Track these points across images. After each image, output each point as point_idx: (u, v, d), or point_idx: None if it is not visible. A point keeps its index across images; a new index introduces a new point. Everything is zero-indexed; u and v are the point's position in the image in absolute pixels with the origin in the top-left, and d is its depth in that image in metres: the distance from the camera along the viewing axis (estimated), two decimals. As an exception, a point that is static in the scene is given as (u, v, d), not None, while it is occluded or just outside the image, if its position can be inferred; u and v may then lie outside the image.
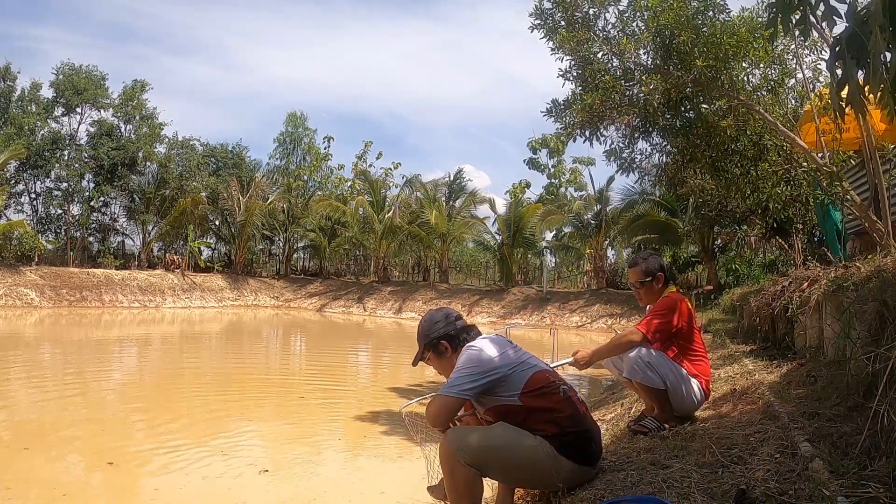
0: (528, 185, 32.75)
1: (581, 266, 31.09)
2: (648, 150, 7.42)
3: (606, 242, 25.39)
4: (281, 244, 33.89)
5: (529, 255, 29.65)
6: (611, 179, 24.65)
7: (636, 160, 7.34)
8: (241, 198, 29.83)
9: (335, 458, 5.67)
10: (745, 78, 6.17)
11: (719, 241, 20.99)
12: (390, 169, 35.32)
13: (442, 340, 2.52)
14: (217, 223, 32.05)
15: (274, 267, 34.69)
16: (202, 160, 31.24)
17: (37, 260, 24.56)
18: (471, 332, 2.57)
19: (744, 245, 20.25)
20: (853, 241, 7.04)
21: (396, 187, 31.97)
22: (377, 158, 38.31)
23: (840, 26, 1.84)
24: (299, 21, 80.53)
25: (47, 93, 27.93)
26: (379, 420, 6.91)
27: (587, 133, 6.74)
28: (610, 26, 6.41)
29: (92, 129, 28.75)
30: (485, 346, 2.41)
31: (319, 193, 33.53)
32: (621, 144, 7.09)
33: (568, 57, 6.43)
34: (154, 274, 27.03)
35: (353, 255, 35.66)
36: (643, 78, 6.08)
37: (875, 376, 2.11)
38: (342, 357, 14.10)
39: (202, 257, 30.27)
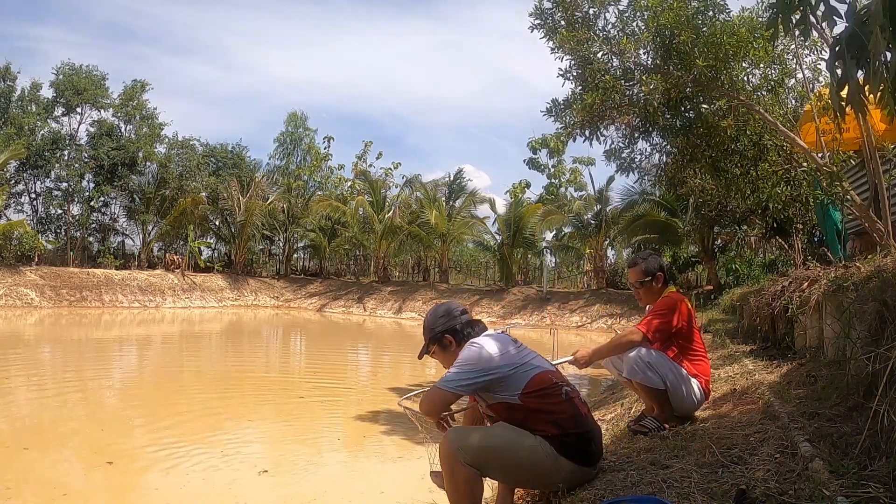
0: (528, 185, 32.78)
1: (581, 266, 31.09)
2: (648, 150, 7.43)
3: (606, 242, 25.39)
4: (281, 244, 33.89)
5: (529, 255, 29.65)
6: (611, 179, 24.69)
7: (636, 160, 7.34)
8: (241, 198, 29.84)
9: (335, 457, 5.67)
10: (745, 78, 6.17)
11: (719, 241, 21.00)
12: (390, 169, 35.36)
13: (446, 334, 2.53)
14: (217, 223, 32.05)
15: (274, 267, 34.69)
16: (202, 160, 31.24)
17: (37, 260, 24.56)
18: (476, 326, 2.57)
19: (744, 245, 20.25)
20: (853, 241, 7.04)
21: (396, 187, 32.03)
22: (377, 158, 38.34)
23: (840, 26, 1.84)
24: (299, 21, 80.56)
25: (47, 93, 27.99)
26: (379, 420, 6.91)
27: (587, 133, 6.74)
28: (610, 26, 6.41)
29: (92, 129, 28.79)
30: (486, 345, 2.40)
31: (319, 193, 33.53)
32: (621, 144, 7.10)
33: (568, 57, 6.43)
34: (154, 274, 27.03)
35: (353, 255, 35.67)
36: (643, 78, 6.08)
37: (875, 376, 2.11)
38: (342, 357, 14.10)
39: (202, 257, 30.27)
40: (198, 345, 15.54)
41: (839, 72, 1.81)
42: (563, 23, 6.34)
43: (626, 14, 6.26)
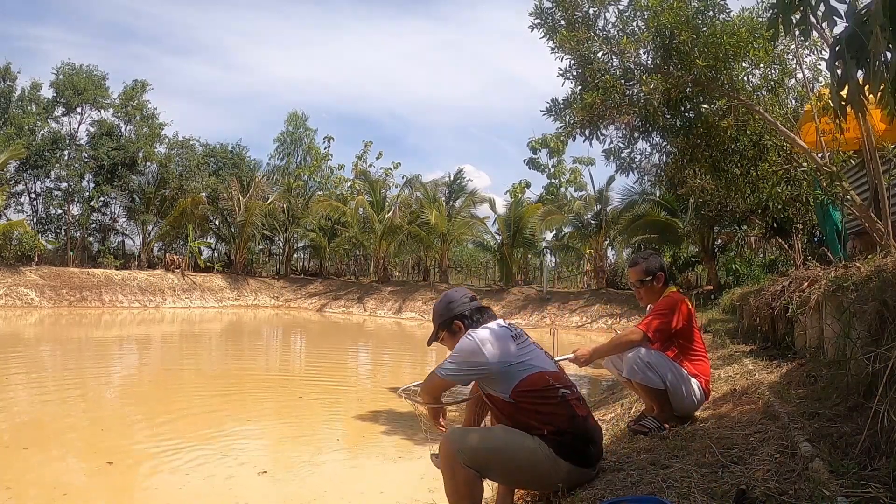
0: (528, 185, 32.79)
1: (581, 266, 31.10)
2: (648, 150, 7.42)
3: (606, 242, 25.39)
4: (281, 244, 33.89)
5: (529, 255, 29.65)
6: (611, 179, 24.70)
7: (636, 160, 7.34)
8: (241, 198, 29.84)
9: (335, 457, 5.66)
10: (745, 78, 6.17)
11: (719, 241, 20.99)
12: (390, 169, 35.39)
13: (455, 320, 2.54)
14: (217, 223, 32.06)
15: (274, 267, 34.69)
16: (202, 160, 31.24)
17: (37, 260, 24.56)
18: (485, 313, 2.56)
19: (744, 245, 20.24)
20: (853, 241, 7.04)
21: (396, 187, 32.04)
22: (377, 158, 38.40)
23: (840, 26, 1.84)
24: (299, 21, 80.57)
25: (47, 93, 27.99)
26: (379, 420, 6.91)
27: (587, 132, 6.73)
28: (610, 26, 6.41)
29: (92, 129, 28.79)
30: (482, 339, 2.38)
31: (319, 193, 33.53)
32: (621, 144, 7.09)
33: (568, 56, 6.43)
34: (154, 274, 27.04)
35: (353, 255, 35.67)
36: (643, 77, 6.08)
37: (875, 376, 2.11)
38: (342, 357, 14.10)
39: (202, 257, 30.27)
40: (198, 345, 15.54)
41: (839, 72, 1.81)
42: (563, 22, 6.34)
43: (626, 14, 6.26)
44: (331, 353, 14.35)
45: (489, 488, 2.77)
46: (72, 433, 6.03)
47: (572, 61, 6.46)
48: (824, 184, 5.44)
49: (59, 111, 28.19)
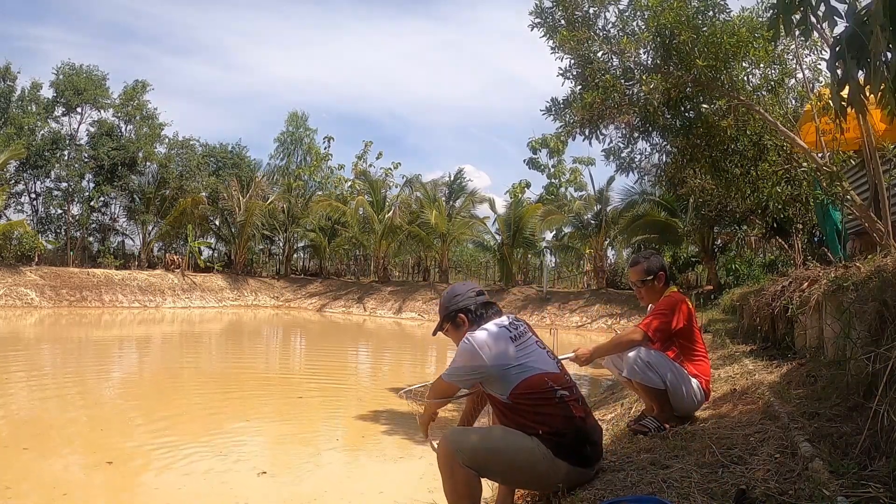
0: (528, 185, 32.77)
1: (581, 266, 31.09)
2: (648, 149, 7.43)
3: (606, 242, 25.39)
4: (281, 244, 33.89)
5: (529, 255, 29.65)
6: (611, 179, 24.69)
7: (636, 160, 7.34)
8: (241, 198, 29.84)
9: (335, 458, 5.66)
10: (745, 78, 6.17)
11: (719, 241, 20.99)
12: (390, 169, 35.40)
13: (460, 314, 2.56)
14: (217, 223, 32.06)
15: (274, 267, 34.70)
16: (202, 160, 31.25)
17: (37, 260, 24.56)
18: (490, 308, 2.57)
19: (744, 245, 20.24)
20: (853, 241, 7.04)
21: (396, 187, 32.04)
22: (377, 158, 38.38)
23: (840, 26, 1.84)
24: (299, 21, 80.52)
25: (47, 93, 28.01)
26: (379, 420, 6.91)
27: (587, 132, 6.74)
28: (610, 25, 6.41)
29: (92, 129, 28.81)
30: (479, 343, 2.38)
31: (319, 193, 33.54)
32: (621, 144, 7.10)
33: (568, 56, 6.43)
34: (154, 274, 27.04)
35: (353, 255, 35.68)
36: (643, 77, 6.08)
37: (875, 376, 2.11)
38: (342, 357, 14.10)
39: (202, 257, 30.27)
40: (198, 345, 15.54)
41: (839, 72, 1.81)
42: (563, 22, 6.34)
43: (627, 13, 6.27)
44: (331, 353, 14.35)
45: (489, 488, 2.77)
46: (72, 433, 6.03)
47: (572, 61, 6.46)
48: (824, 184, 5.44)
49: (59, 111, 28.22)
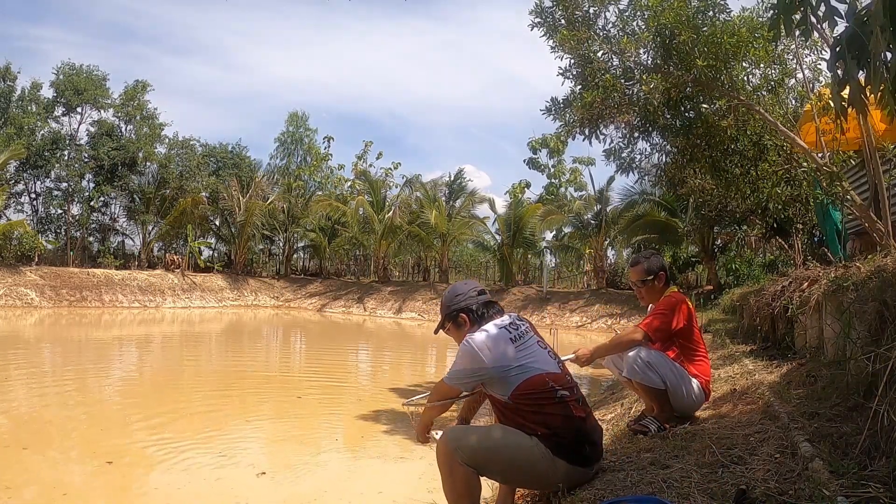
0: (528, 185, 32.78)
1: (581, 266, 31.09)
2: (648, 150, 7.43)
3: (606, 242, 25.38)
4: (281, 244, 33.90)
5: (529, 255, 29.64)
6: (611, 179, 24.69)
7: (636, 160, 7.34)
8: (241, 198, 29.84)
9: (334, 458, 5.66)
10: (746, 78, 6.17)
11: (719, 241, 20.99)
12: (390, 169, 35.43)
13: (462, 313, 2.55)
14: (217, 223, 32.07)
15: (274, 267, 34.70)
16: (202, 160, 31.25)
17: (37, 260, 24.56)
18: (491, 308, 2.56)
19: (744, 245, 20.24)
20: (853, 241, 7.04)
21: (396, 187, 32.04)
22: (377, 158, 38.41)
23: (840, 26, 1.84)
24: (299, 21, 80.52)
25: (47, 93, 28.00)
26: (379, 420, 6.91)
27: (587, 132, 6.74)
28: (610, 25, 6.41)
29: (92, 129, 28.81)
30: (479, 346, 2.37)
31: (319, 193, 33.54)
32: (621, 144, 7.10)
33: (568, 55, 6.43)
34: (154, 274, 27.04)
35: (353, 255, 35.68)
36: (643, 77, 6.09)
37: (875, 376, 2.11)
38: (342, 357, 14.10)
39: (202, 257, 30.27)
40: (198, 345, 15.54)
41: (840, 72, 1.81)
42: (563, 21, 6.34)
43: (627, 13, 6.27)
44: (330, 353, 14.35)
45: (489, 488, 2.77)
46: (71, 433, 6.03)
47: (572, 60, 6.47)
48: (824, 184, 5.44)
49: (59, 111, 28.22)
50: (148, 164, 29.48)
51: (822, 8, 1.85)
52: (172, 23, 70.30)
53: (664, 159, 7.57)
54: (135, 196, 29.47)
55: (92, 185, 28.56)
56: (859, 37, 1.68)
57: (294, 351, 15.67)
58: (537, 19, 6.46)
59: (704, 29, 5.81)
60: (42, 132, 27.13)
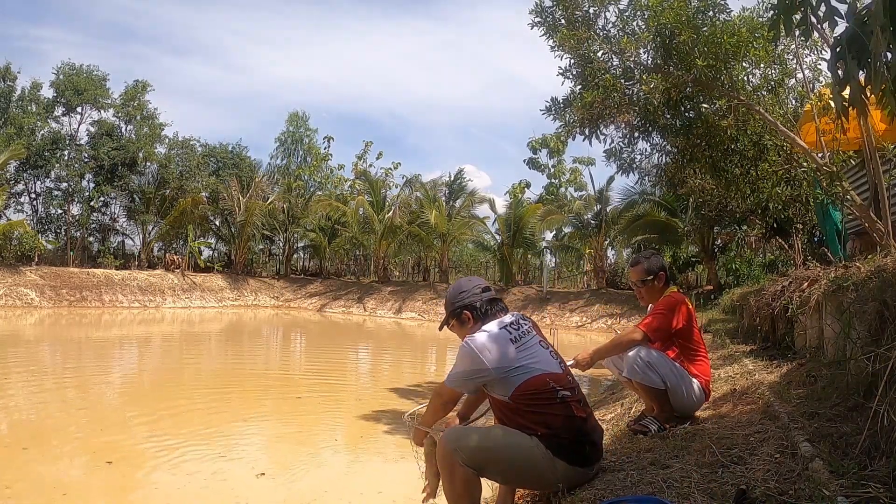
0: (528, 185, 32.79)
1: (581, 266, 31.10)
2: (648, 150, 7.43)
3: (606, 242, 25.39)
4: (281, 244, 33.90)
5: (529, 255, 29.66)
6: (611, 179, 24.71)
7: (636, 160, 7.34)
8: (241, 198, 29.84)
9: (334, 458, 5.67)
10: (746, 78, 6.17)
11: (719, 241, 21.00)
12: (390, 169, 35.45)
13: (465, 310, 2.54)
14: (217, 223, 32.07)
15: (274, 267, 34.71)
16: (202, 160, 31.25)
17: (37, 260, 24.56)
18: (495, 305, 2.55)
19: (744, 245, 20.24)
20: (853, 241, 7.04)
21: (396, 187, 32.06)
22: (377, 158, 38.45)
23: (841, 26, 1.84)
24: (300, 21, 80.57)
25: (47, 93, 28.00)
26: (378, 420, 6.91)
27: (587, 131, 6.74)
28: (610, 25, 6.41)
29: (92, 129, 28.81)
30: (479, 346, 2.36)
31: (319, 193, 33.56)
32: (621, 144, 7.10)
33: (568, 55, 6.43)
34: (154, 274, 27.03)
35: (353, 255, 35.69)
36: (643, 77, 6.09)
37: (875, 376, 2.11)
38: (342, 357, 14.10)
39: (202, 257, 30.27)
40: (197, 345, 15.54)
41: (840, 72, 1.81)
42: (563, 21, 6.34)
43: (627, 13, 6.27)
44: (330, 353, 14.35)
45: (489, 488, 2.77)
46: (71, 433, 6.02)
47: (572, 60, 6.46)
48: (824, 184, 5.44)
49: (59, 111, 28.22)
50: (148, 164, 29.49)
51: (823, 8, 1.85)
52: (172, 23, 70.43)
53: (664, 159, 7.56)
54: (135, 196, 29.47)
55: (92, 185, 28.57)
56: (860, 37, 1.68)
57: (294, 351, 15.67)
58: (537, 19, 6.46)
59: (704, 29, 5.81)
60: (42, 132, 27.13)
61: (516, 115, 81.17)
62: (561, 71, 6.58)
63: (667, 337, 3.21)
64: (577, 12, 6.29)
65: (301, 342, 17.72)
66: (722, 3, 5.91)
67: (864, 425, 2.00)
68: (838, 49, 1.77)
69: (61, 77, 27.74)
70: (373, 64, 76.91)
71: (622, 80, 6.26)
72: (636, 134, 6.99)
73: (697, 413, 3.30)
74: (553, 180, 32.79)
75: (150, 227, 29.76)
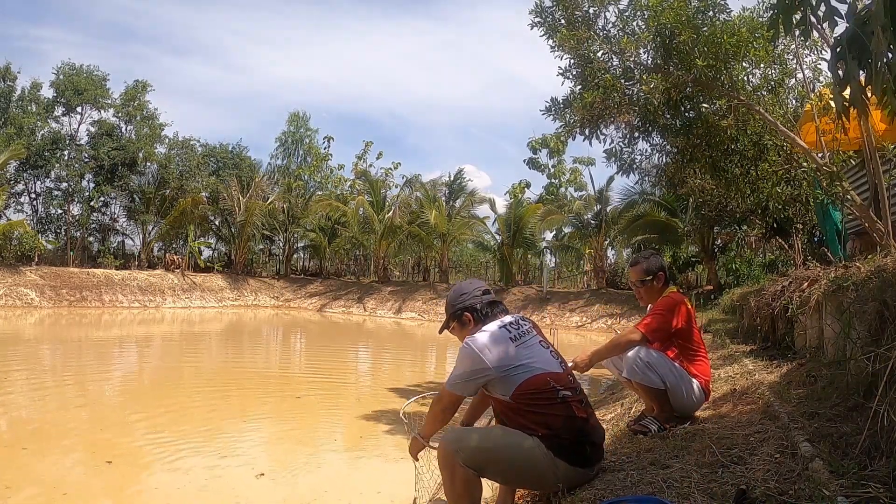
0: (528, 185, 32.81)
1: (581, 266, 31.10)
2: (648, 150, 7.43)
3: (606, 242, 25.39)
4: (281, 244, 33.90)
5: (529, 255, 29.66)
6: (611, 179, 24.71)
7: (636, 160, 7.34)
8: (241, 198, 29.84)
9: (334, 457, 5.67)
10: (746, 78, 6.17)
11: (719, 241, 20.99)
12: (390, 169, 35.48)
13: (466, 312, 2.56)
14: (217, 223, 32.06)
15: (274, 267, 34.71)
16: (202, 160, 31.25)
17: (37, 260, 24.55)
18: (495, 307, 2.57)
19: (744, 245, 20.24)
20: (853, 241, 7.04)
21: (396, 187, 32.08)
22: (377, 158, 38.49)
23: (841, 26, 1.84)
24: (299, 21, 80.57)
25: (47, 93, 28.00)
26: (378, 420, 6.91)
27: (587, 132, 6.74)
28: (610, 25, 6.41)
29: (92, 129, 28.81)
30: (480, 346, 2.36)
31: (319, 193, 33.57)
32: (621, 144, 7.09)
33: (568, 56, 6.43)
34: (154, 274, 27.03)
35: (353, 255, 35.69)
36: (643, 77, 6.09)
37: (875, 376, 2.11)
38: (342, 357, 14.10)
39: (202, 257, 30.27)
40: (197, 345, 15.54)
41: (841, 73, 1.81)
42: (563, 21, 6.34)
43: (627, 13, 6.27)
44: (330, 353, 14.35)
45: (489, 488, 2.77)
46: (71, 433, 6.03)
47: (572, 60, 6.46)
48: (824, 184, 5.44)
49: (59, 111, 28.21)
50: (148, 164, 29.48)
51: (822, 8, 1.85)
52: (172, 23, 70.45)
53: (664, 159, 7.56)
54: (135, 196, 29.47)
55: (92, 185, 28.57)
56: (860, 37, 1.68)
57: (294, 351, 15.67)
58: (537, 19, 6.46)
59: (704, 29, 5.81)
60: (42, 132, 27.13)
61: (516, 115, 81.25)
62: (561, 71, 6.58)
63: (666, 337, 3.21)
64: (576, 12, 6.29)
65: (301, 342, 17.72)
66: (722, 3, 5.91)
67: (864, 425, 2.00)
68: (838, 49, 1.77)
69: (61, 77, 27.74)
70: (373, 64, 77.00)
71: (622, 80, 6.26)
72: (636, 134, 6.99)
73: (697, 413, 3.30)
74: (553, 180, 32.80)
75: (150, 227, 29.76)
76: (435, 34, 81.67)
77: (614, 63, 6.43)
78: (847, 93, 1.87)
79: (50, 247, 27.39)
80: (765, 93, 6.25)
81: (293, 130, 39.31)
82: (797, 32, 2.34)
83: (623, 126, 6.82)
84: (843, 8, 1.83)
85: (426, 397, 2.67)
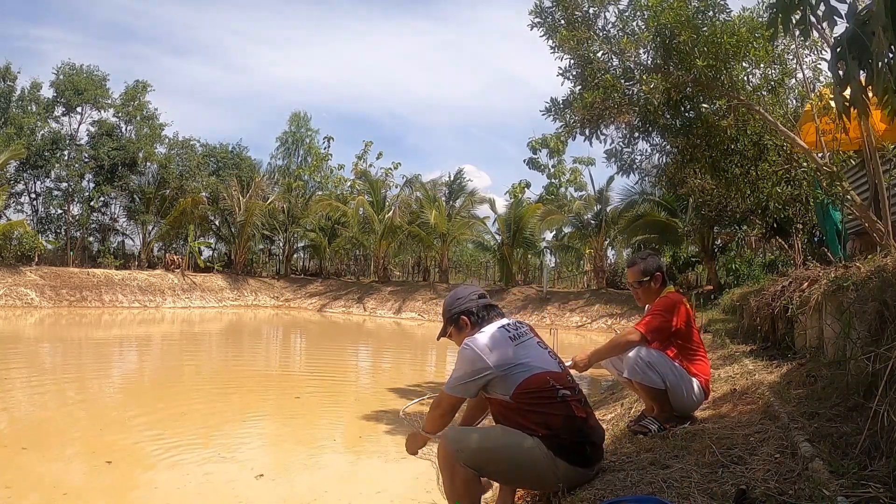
0: (528, 185, 32.81)
1: (581, 266, 31.10)
2: (648, 150, 7.43)
3: (606, 242, 25.40)
4: (281, 244, 33.90)
5: (529, 255, 29.66)
6: (611, 179, 24.72)
7: (636, 160, 7.34)
8: (241, 198, 29.83)
9: (334, 457, 5.66)
10: (746, 78, 6.17)
11: (719, 241, 20.99)
12: (390, 169, 35.46)
13: (462, 316, 2.57)
14: (217, 223, 32.06)
15: (274, 267, 34.71)
16: (202, 160, 31.25)
17: (37, 260, 24.55)
18: (491, 311, 2.58)
19: (744, 245, 20.24)
20: (853, 241, 7.04)
21: (396, 187, 32.06)
22: (377, 158, 38.47)
23: (841, 26, 1.84)
24: (300, 21, 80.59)
25: (47, 93, 28.00)
26: (378, 420, 6.90)
27: (587, 132, 6.74)
28: (610, 25, 6.41)
29: (92, 129, 28.81)
30: (480, 346, 2.38)
31: (319, 193, 33.57)
32: (621, 144, 7.10)
33: (568, 56, 6.43)
34: (154, 274, 27.03)
35: (353, 255, 35.69)
36: (643, 77, 6.09)
37: (875, 376, 2.11)
38: (342, 357, 14.09)
39: (202, 257, 30.27)
40: (197, 345, 15.54)
41: (841, 73, 1.81)
42: (563, 22, 6.34)
43: (626, 13, 6.26)
44: (330, 353, 14.35)
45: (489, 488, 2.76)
46: (71, 433, 6.02)
47: (572, 61, 6.46)
48: (824, 184, 5.44)
49: (59, 111, 28.21)
50: (148, 164, 29.48)
51: (822, 7, 1.84)
52: (172, 23, 70.46)
53: (664, 159, 7.56)
54: (135, 196, 29.47)
55: (92, 185, 28.56)
56: (860, 37, 1.68)
57: (294, 351, 15.67)
58: (537, 19, 6.46)
59: (704, 29, 5.81)
60: (42, 132, 27.13)
61: (516, 115, 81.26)
62: (561, 71, 6.58)
63: (665, 337, 3.21)
64: (576, 13, 6.29)
65: (301, 342, 17.72)
66: (722, 3, 5.91)
67: (864, 425, 1.99)
68: (839, 49, 1.77)
69: (61, 77, 27.73)
70: (373, 64, 77.00)
71: (622, 81, 6.26)
72: (636, 134, 6.99)
73: (697, 413, 3.30)
74: (553, 180, 32.80)
75: (150, 227, 29.76)
76: (435, 34, 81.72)
77: (614, 63, 6.43)
78: (847, 93, 1.87)
79: (50, 247, 27.40)
80: (765, 93, 6.25)
81: (294, 130, 39.34)
82: (797, 32, 2.33)
83: (623, 126, 6.82)
84: (843, 8, 1.82)
85: (427, 399, 2.68)
